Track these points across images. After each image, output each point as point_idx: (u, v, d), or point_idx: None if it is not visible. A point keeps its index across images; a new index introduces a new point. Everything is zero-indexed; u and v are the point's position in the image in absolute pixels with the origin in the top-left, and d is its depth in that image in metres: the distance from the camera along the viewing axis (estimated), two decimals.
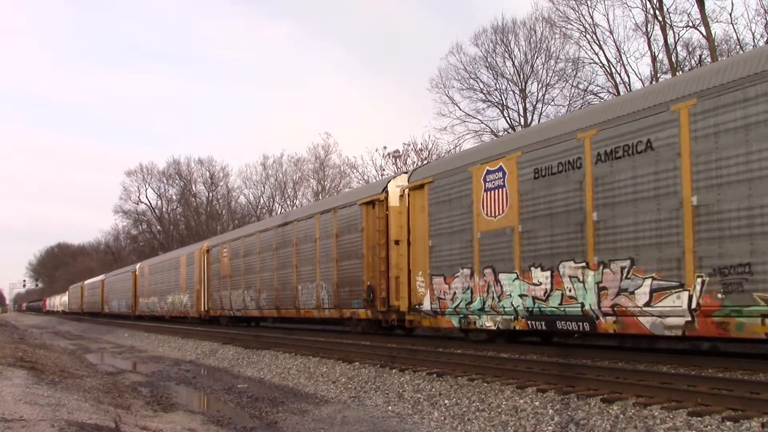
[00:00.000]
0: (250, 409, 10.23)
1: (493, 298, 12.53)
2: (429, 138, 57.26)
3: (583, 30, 31.78)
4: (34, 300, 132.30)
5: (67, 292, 78.95)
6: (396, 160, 39.96)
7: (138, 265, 43.83)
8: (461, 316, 13.36)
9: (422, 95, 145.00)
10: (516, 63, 36.11)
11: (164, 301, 35.97)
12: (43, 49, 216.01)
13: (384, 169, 40.57)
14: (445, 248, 13.86)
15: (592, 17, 31.36)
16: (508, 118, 37.02)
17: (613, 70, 31.51)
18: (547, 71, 35.49)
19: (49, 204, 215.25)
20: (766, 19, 26.70)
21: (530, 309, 11.64)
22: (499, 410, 8.14)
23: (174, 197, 74.29)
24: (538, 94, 35.88)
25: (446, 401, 9.02)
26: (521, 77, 36.12)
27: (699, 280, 8.89)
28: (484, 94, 37.18)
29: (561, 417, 7.42)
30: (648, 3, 28.86)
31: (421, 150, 39.32)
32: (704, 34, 26.58)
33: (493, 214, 12.63)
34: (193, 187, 72.06)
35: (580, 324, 10.74)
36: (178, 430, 8.07)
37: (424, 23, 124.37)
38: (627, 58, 37.41)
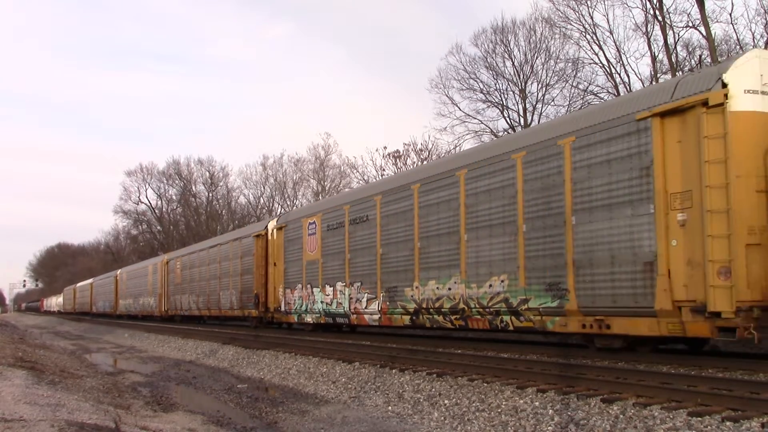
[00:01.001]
0: (250, 409, 10.23)
1: (311, 303, 19.71)
2: (429, 138, 57.24)
3: (583, 30, 31.68)
4: (33, 300, 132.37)
5: (62, 294, 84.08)
6: (396, 161, 39.92)
7: (119, 271, 50.45)
8: (298, 314, 20.69)
9: (422, 95, 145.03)
10: (516, 63, 36.03)
11: (137, 302, 42.67)
12: (43, 49, 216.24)
13: (384, 169, 40.55)
14: (291, 270, 21.28)
15: (592, 17, 31.26)
16: (508, 119, 36.98)
17: (613, 70, 31.42)
18: (547, 71, 35.39)
19: (49, 204, 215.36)
20: (766, 19, 26.70)
21: (326, 310, 18.85)
22: (499, 410, 8.13)
23: (174, 197, 74.20)
24: (538, 94, 35.79)
25: (446, 401, 9.01)
26: (521, 77, 36.03)
27: (381, 294, 16.04)
28: (483, 94, 37.08)
29: (561, 417, 7.42)
30: (648, 3, 28.81)
31: (421, 150, 39.28)
32: (704, 34, 26.57)
33: (311, 251, 19.90)
34: (193, 187, 72.00)
35: (344, 319, 18.05)
36: (178, 430, 8.07)
37: (424, 23, 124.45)
38: (627, 58, 37.28)
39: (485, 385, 9.19)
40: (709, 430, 6.18)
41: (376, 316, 16.27)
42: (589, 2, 30.92)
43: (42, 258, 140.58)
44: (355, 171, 46.29)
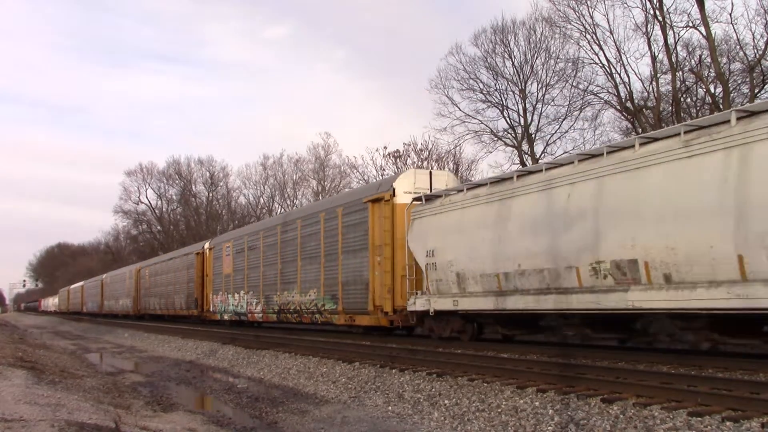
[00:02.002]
0: (250, 409, 10.22)
1: (227, 305, 27.13)
2: (429, 138, 57.05)
3: (583, 30, 31.68)
4: (32, 300, 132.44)
5: (58, 295, 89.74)
6: (396, 160, 39.86)
7: (104, 276, 57.79)
8: (220, 313, 28.27)
9: (423, 95, 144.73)
10: (516, 63, 36.01)
11: (117, 303, 50.23)
12: (43, 48, 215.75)
13: (384, 169, 40.49)
14: (216, 281, 28.88)
15: (592, 17, 31.25)
16: (508, 119, 36.98)
17: (613, 70, 31.41)
18: (546, 71, 35.35)
19: (49, 204, 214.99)
20: (766, 19, 26.70)
21: (234, 311, 26.33)
22: (499, 410, 8.13)
23: (174, 197, 74.18)
24: (537, 94, 35.76)
25: (446, 401, 9.01)
26: (521, 77, 36.00)
27: (263, 300, 23.16)
28: (483, 94, 37.04)
29: (561, 417, 7.42)
30: (648, 3, 28.82)
31: (421, 150, 39.24)
32: (704, 34, 26.59)
33: (227, 267, 27.38)
34: (193, 187, 72.02)
35: (244, 317, 25.26)
36: (178, 430, 8.07)
37: (424, 23, 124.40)
38: (627, 58, 36.91)
39: (485, 385, 9.19)
40: (709, 430, 6.18)
41: (260, 315, 23.54)
42: (589, 2, 30.95)
43: (42, 258, 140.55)
44: (355, 171, 46.29)
